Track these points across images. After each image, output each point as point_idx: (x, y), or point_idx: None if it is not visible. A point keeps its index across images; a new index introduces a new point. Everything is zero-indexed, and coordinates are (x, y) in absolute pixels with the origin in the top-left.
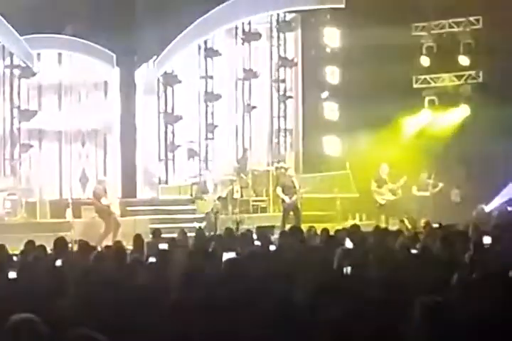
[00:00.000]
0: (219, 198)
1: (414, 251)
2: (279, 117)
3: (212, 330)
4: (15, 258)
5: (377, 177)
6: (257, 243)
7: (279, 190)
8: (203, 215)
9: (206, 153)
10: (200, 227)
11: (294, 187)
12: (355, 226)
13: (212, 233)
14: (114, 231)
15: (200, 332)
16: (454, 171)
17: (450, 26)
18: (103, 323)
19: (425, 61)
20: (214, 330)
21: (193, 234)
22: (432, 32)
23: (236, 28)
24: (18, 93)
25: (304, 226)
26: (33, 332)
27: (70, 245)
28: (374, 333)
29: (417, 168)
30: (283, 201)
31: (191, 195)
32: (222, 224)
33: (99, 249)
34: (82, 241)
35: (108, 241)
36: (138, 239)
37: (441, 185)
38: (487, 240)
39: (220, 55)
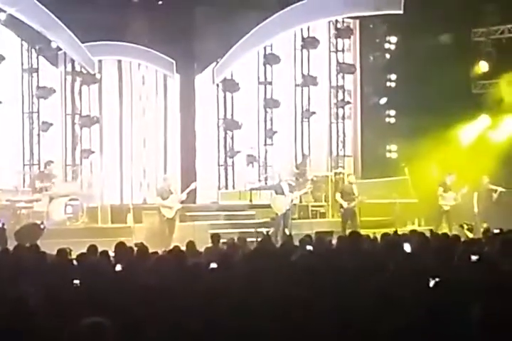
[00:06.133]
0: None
1: (474, 257)
2: (337, 123)
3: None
4: (75, 263)
5: (443, 183)
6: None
7: (338, 195)
8: (263, 220)
9: (265, 158)
10: (267, 233)
11: (353, 193)
12: (414, 232)
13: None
14: (168, 236)
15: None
16: None
17: (510, 31)
18: (166, 326)
19: (484, 66)
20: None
21: (254, 239)
22: (492, 37)
23: (295, 34)
24: (80, 99)
25: (364, 232)
26: (103, 336)
27: (131, 250)
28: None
29: (477, 173)
30: (341, 207)
31: (250, 201)
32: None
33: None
34: (142, 246)
35: (166, 247)
36: (190, 245)
37: (500, 189)
38: None
39: (279, 61)
